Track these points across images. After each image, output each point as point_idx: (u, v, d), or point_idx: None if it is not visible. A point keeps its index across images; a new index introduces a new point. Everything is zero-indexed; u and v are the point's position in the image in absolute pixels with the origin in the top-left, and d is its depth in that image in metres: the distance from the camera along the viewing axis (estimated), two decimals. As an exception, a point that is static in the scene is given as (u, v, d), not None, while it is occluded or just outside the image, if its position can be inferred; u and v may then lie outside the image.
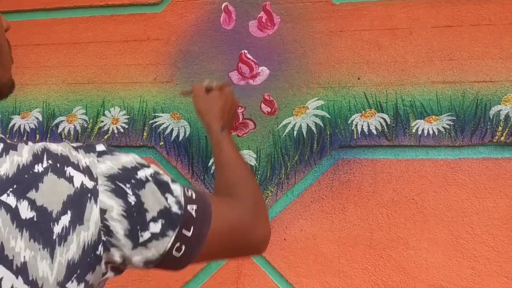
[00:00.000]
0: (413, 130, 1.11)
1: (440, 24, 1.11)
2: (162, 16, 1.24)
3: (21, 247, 0.46)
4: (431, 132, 1.10)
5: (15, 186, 0.47)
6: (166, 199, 0.57)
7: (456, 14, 1.11)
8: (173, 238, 0.57)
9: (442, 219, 1.08)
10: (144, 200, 0.54)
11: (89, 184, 0.51)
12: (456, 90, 1.10)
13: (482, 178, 1.07)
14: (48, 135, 1.27)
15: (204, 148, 1.20)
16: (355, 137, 1.13)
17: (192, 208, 0.59)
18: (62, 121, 1.28)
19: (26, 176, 0.48)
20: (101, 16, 1.27)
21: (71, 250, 0.48)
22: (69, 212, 0.49)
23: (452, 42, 1.10)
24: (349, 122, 1.14)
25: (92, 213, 0.50)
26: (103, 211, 0.51)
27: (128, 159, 0.56)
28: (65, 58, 1.29)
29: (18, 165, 0.49)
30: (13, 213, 0.46)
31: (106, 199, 0.52)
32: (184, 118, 1.22)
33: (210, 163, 1.19)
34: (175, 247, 0.57)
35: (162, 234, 0.56)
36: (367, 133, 1.13)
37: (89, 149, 0.55)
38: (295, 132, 1.16)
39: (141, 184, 0.55)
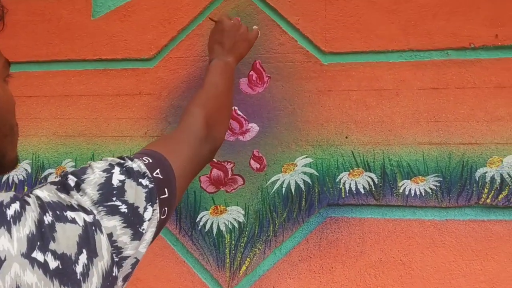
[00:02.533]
0: (400, 190, 1.12)
1: (426, 86, 1.14)
2: (155, 72, 1.26)
3: None
4: (418, 192, 1.11)
5: (39, 243, 0.51)
6: (141, 184, 0.62)
7: (442, 77, 1.13)
8: (158, 209, 0.64)
9: (429, 280, 1.08)
10: (132, 201, 0.60)
11: (89, 218, 0.56)
12: (442, 151, 1.11)
13: (469, 240, 1.08)
14: (37, 187, 1.27)
15: (192, 204, 1.20)
16: (343, 196, 1.14)
17: (157, 173, 0.66)
18: (51, 173, 1.28)
19: (43, 230, 0.52)
20: (94, 70, 1.29)
21: (93, 283, 0.54)
22: (84, 251, 0.54)
23: (437, 104, 1.13)
24: (337, 180, 1.15)
25: (102, 242, 0.56)
26: (110, 235, 0.57)
27: (95, 175, 0.60)
28: (57, 110, 1.30)
29: (35, 221, 0.52)
30: (44, 267, 0.50)
31: (107, 222, 0.57)
32: (174, 172, 1.22)
33: (198, 219, 1.19)
34: (162, 213, 0.65)
35: (153, 213, 0.63)
36: (355, 192, 1.13)
37: (66, 188, 0.58)
38: (283, 189, 1.17)
39: (121, 189, 0.60)
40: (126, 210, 0.59)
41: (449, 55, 1.13)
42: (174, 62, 1.25)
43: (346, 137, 1.16)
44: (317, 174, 1.16)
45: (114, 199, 0.59)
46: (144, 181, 0.63)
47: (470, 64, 1.12)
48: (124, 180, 0.61)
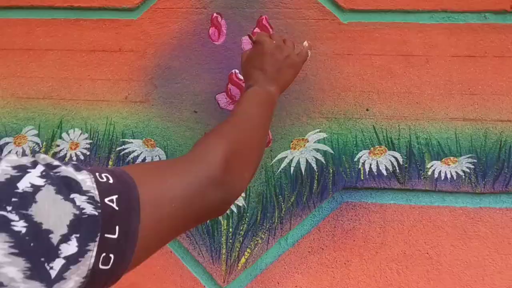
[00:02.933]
0: (429, 173, 0.96)
1: (461, 53, 0.99)
2: (139, 25, 1.05)
3: None
4: (449, 175, 0.96)
5: None
6: (73, 201, 0.43)
7: (479, 43, 0.98)
8: (95, 251, 0.43)
9: (460, 277, 0.94)
10: (40, 220, 0.40)
11: None
12: (478, 129, 0.97)
13: (506, 231, 0.94)
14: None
15: (182, 183, 1.01)
16: (362, 178, 0.98)
17: (111, 200, 0.46)
18: (8, 142, 1.06)
19: None
20: (64, 20, 1.07)
21: None
22: None
23: (473, 74, 0.98)
24: (356, 159, 0.98)
25: None
26: None
27: None
28: (16, 66, 1.07)
29: None
30: None
31: None
32: (160, 145, 1.02)
33: (189, 202, 1.01)
34: (101, 260, 0.44)
35: (81, 252, 0.42)
36: (376, 173, 0.98)
37: None
38: (292, 168, 0.99)
39: (28, 198, 0.40)
40: (23, 230, 0.39)
41: (487, 19, 0.99)
42: (163, 14, 1.05)
43: (367, 110, 0.99)
44: (332, 151, 0.99)
45: (8, 208, 0.39)
46: (81, 201, 0.44)
47: (511, 29, 0.98)
48: (41, 186, 0.42)
